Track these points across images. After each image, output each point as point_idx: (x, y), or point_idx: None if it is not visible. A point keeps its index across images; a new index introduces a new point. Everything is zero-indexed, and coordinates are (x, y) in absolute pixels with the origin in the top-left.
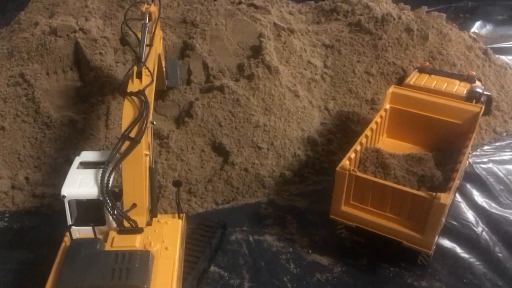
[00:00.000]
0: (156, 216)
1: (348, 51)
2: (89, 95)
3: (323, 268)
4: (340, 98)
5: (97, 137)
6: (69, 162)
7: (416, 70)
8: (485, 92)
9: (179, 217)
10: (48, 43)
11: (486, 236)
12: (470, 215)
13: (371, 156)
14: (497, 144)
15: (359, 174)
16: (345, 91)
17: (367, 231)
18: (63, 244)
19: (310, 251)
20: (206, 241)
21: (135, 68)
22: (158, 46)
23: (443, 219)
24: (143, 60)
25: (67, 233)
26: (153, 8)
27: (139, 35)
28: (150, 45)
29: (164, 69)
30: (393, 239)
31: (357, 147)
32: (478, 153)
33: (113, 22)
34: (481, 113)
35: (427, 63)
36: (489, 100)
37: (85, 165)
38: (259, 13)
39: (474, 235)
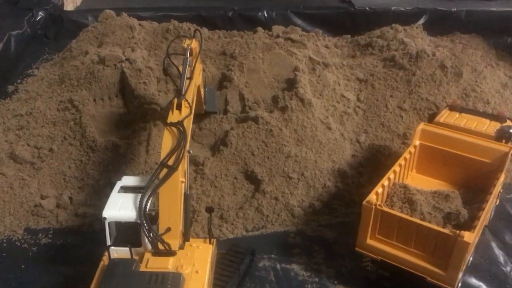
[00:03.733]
0: (188, 240)
1: (381, 86)
2: (132, 121)
3: None
4: (372, 131)
5: (138, 162)
6: (111, 185)
7: (447, 108)
8: None
9: (210, 242)
10: (96, 71)
11: None
12: (499, 254)
13: (398, 191)
14: None
15: (384, 209)
16: (377, 125)
17: (392, 265)
18: (101, 263)
19: (336, 282)
20: (235, 267)
21: (175, 100)
22: (198, 79)
23: (469, 257)
24: (183, 93)
25: (106, 253)
26: (194, 44)
27: (181, 68)
28: (190, 78)
29: (202, 95)
30: (417, 275)
31: (385, 182)
32: (510, 191)
33: (157, 53)
34: (511, 153)
35: (458, 101)
36: None
37: (125, 189)
38: (296, 47)
39: (502, 275)
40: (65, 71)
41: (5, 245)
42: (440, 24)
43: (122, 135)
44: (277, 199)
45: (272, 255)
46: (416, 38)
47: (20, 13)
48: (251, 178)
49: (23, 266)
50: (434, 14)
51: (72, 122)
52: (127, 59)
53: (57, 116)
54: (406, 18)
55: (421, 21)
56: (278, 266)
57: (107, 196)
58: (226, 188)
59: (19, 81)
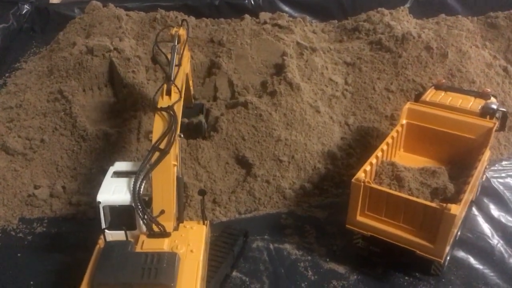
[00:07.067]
0: (182, 222)
1: (368, 69)
2: (122, 110)
3: (339, 276)
4: (360, 113)
5: (129, 150)
6: (103, 173)
7: (433, 87)
8: (500, 108)
9: (203, 224)
10: (84, 62)
11: (501, 248)
12: (486, 228)
13: (386, 169)
14: None
15: (373, 185)
16: (365, 107)
17: (383, 241)
18: (97, 246)
19: (328, 260)
20: (228, 248)
21: (165, 86)
22: (186, 66)
23: (456, 230)
24: (172, 79)
25: (102, 236)
26: (182, 31)
27: (169, 56)
28: (178, 65)
29: (191, 88)
30: (407, 249)
31: (373, 160)
32: (496, 168)
33: (145, 42)
34: (495, 129)
35: (443, 80)
36: (504, 116)
37: (118, 174)
38: (283, 32)
39: (489, 247)
40: (54, 63)
41: (0, 235)
42: (426, 6)
43: (113, 124)
44: (268, 182)
45: (265, 236)
46: (402, 21)
47: (5, 7)
48: (243, 162)
49: (19, 255)
50: None
51: (63, 113)
52: (115, 49)
53: (47, 107)
54: (393, 2)
55: (407, 4)
56: (271, 246)
57: (100, 184)
58: (218, 172)
59: (7, 74)
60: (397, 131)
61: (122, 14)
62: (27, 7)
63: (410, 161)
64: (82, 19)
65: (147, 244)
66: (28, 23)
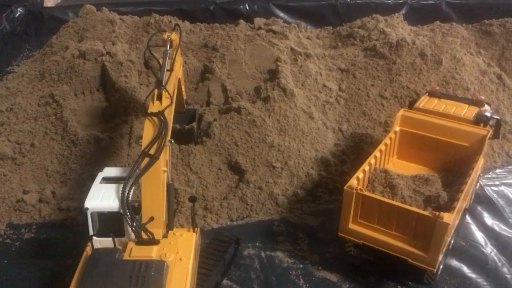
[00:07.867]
0: (172, 229)
1: (362, 75)
2: (114, 115)
3: (332, 284)
4: (354, 120)
5: (120, 155)
6: (94, 178)
7: (426, 94)
8: (494, 116)
9: (193, 231)
10: (77, 65)
11: (495, 257)
12: (479, 236)
13: (379, 176)
14: (509, 167)
15: (365, 193)
16: (359, 113)
17: (375, 250)
18: (84, 253)
19: (320, 268)
20: (219, 255)
21: (156, 91)
22: (178, 71)
23: (449, 239)
24: (163, 84)
25: (89, 243)
26: (174, 36)
27: (161, 60)
28: (170, 70)
29: (183, 93)
30: (399, 257)
31: (366, 167)
32: (490, 176)
33: (138, 46)
34: (489, 137)
35: (437, 87)
36: (497, 124)
37: (107, 180)
38: (277, 38)
39: (482, 256)
40: (46, 66)
41: None
42: (421, 14)
43: (104, 129)
44: (261, 188)
45: (257, 243)
46: (396, 27)
47: None
48: (235, 168)
49: (5, 261)
50: (414, 5)
51: (53, 117)
52: (108, 53)
53: (38, 111)
54: (388, 10)
55: (402, 11)
56: (262, 254)
57: (90, 188)
58: (210, 179)
59: None
60: (391, 138)
61: (115, 18)
62: (21, 10)
63: (403, 168)
64: (76, 23)
65: (135, 252)
66: (21, 26)
